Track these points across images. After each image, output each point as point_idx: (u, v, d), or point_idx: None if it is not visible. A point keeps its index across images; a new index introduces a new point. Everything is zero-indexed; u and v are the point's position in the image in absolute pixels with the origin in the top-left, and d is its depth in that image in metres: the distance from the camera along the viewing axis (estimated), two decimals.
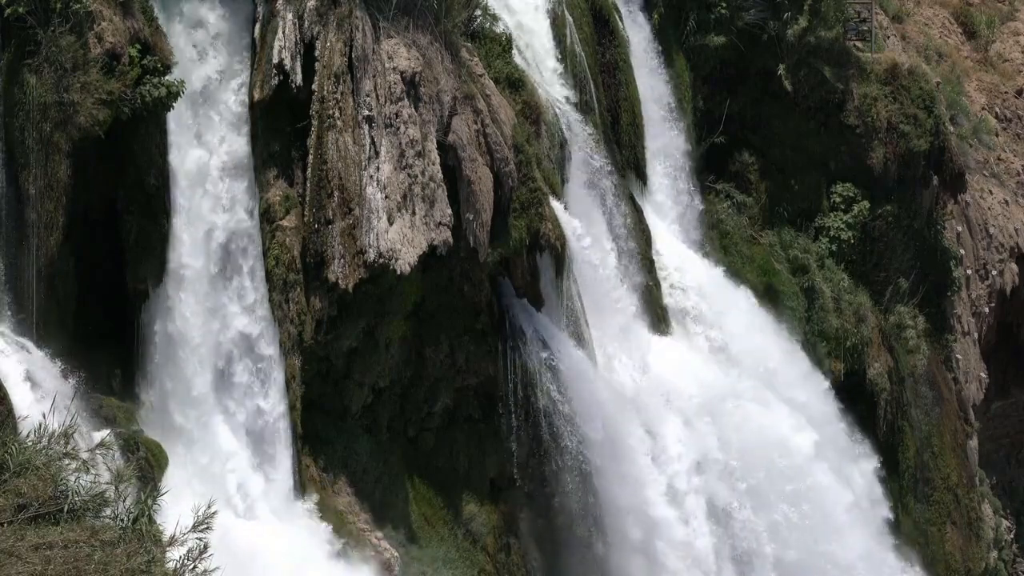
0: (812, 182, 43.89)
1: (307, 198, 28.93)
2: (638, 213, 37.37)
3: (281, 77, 28.59)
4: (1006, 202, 51.59)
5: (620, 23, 38.88)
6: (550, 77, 36.05)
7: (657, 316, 37.44)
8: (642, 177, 39.22)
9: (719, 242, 41.30)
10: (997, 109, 54.03)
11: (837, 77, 43.71)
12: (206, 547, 13.35)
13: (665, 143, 40.51)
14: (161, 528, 13.71)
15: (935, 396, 45.39)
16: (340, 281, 28.79)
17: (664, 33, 40.80)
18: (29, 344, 25.09)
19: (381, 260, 28.92)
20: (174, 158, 27.30)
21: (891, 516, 40.73)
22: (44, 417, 14.28)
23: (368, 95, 29.35)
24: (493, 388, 32.54)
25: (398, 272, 29.18)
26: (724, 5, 41.06)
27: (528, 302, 33.07)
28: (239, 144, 28.61)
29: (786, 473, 37.32)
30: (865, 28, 46.33)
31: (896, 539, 40.88)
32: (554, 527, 33.30)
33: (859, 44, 45.94)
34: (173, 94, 26.38)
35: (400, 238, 29.22)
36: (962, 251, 47.61)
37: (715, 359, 38.26)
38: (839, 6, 43.92)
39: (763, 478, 36.72)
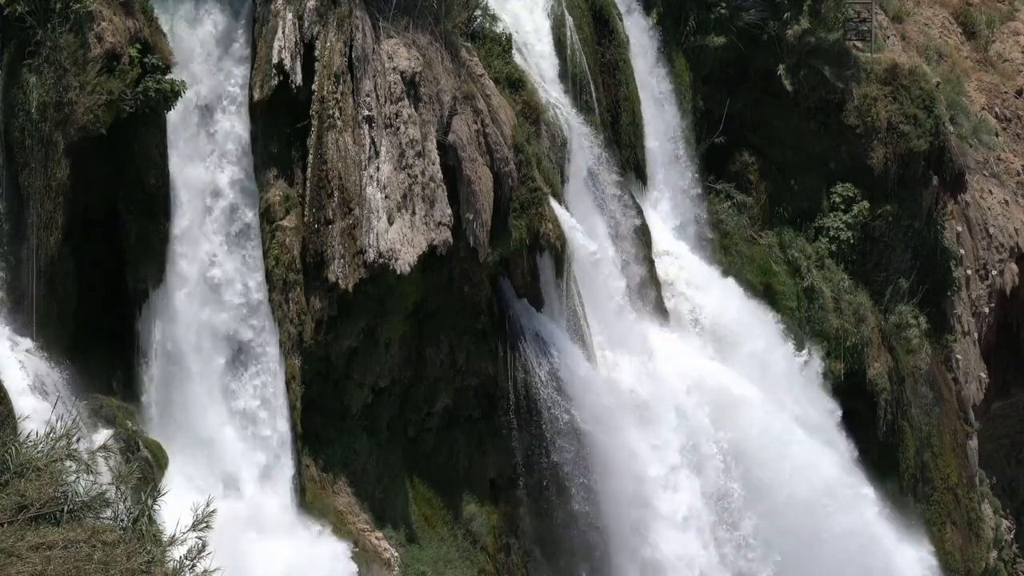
0: (812, 182, 43.89)
1: (307, 198, 28.93)
2: (638, 213, 37.38)
3: (281, 77, 28.59)
4: (1006, 202, 51.60)
5: (620, 23, 38.89)
6: (550, 77, 36.05)
7: (657, 315, 37.44)
8: (642, 177, 39.23)
9: (719, 242, 41.30)
10: (997, 109, 54.03)
11: (837, 77, 43.71)
12: (204, 545, 13.34)
13: (665, 143, 40.50)
14: (161, 528, 13.71)
15: (935, 396, 45.39)
16: (340, 281, 28.79)
17: (664, 33, 40.81)
18: (29, 344, 25.08)
19: (381, 260, 28.92)
20: None
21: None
22: (56, 421, 14.28)
23: (368, 95, 29.35)
24: (493, 388, 32.54)
25: (398, 272, 29.18)
26: (724, 5, 41.05)
27: (528, 302, 33.06)
28: None
29: (785, 468, 37.38)
30: (865, 28, 46.35)
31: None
32: (554, 527, 33.30)
33: (859, 44, 45.94)
34: (175, 92, 26.38)
35: (400, 238, 29.22)
36: (962, 251, 47.61)
37: (714, 357, 38.27)
38: (839, 6, 43.92)
39: (763, 474, 36.75)
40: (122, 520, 13.39)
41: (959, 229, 48.02)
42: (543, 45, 36.24)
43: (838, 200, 43.73)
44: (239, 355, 28.39)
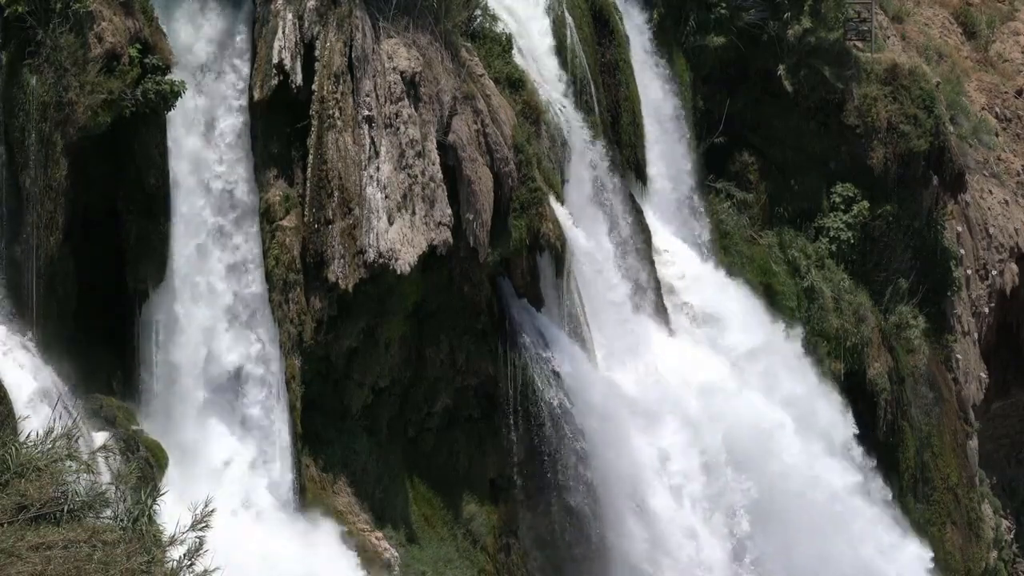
0: (812, 182, 43.89)
1: (307, 198, 28.93)
2: (638, 213, 37.39)
3: (281, 77, 28.60)
4: (1006, 202, 51.59)
5: (620, 23, 38.88)
6: (550, 77, 36.05)
7: (657, 315, 37.44)
8: (642, 177, 39.23)
9: (719, 242, 41.31)
10: (997, 109, 54.02)
11: (837, 77, 43.71)
12: (201, 544, 13.34)
13: (665, 143, 40.50)
14: (161, 528, 13.72)
15: (935, 396, 45.38)
16: (340, 281, 28.79)
17: (664, 33, 40.81)
18: (29, 344, 25.08)
19: (381, 260, 28.93)
20: None
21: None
22: (56, 421, 14.30)
23: (368, 95, 29.35)
24: (493, 388, 32.54)
25: (398, 272, 29.19)
26: (724, 5, 41.05)
27: (528, 302, 33.07)
28: None
29: (787, 471, 37.38)
30: (865, 28, 46.34)
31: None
32: (554, 527, 33.29)
33: (859, 44, 45.94)
34: (174, 93, 26.38)
35: (400, 238, 29.22)
36: (962, 251, 47.61)
37: (715, 357, 38.26)
38: (839, 6, 43.92)
39: (763, 475, 36.74)
40: (122, 520, 13.39)
41: (959, 229, 48.02)
42: (543, 45, 36.24)
43: (838, 200, 43.74)
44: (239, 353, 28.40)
